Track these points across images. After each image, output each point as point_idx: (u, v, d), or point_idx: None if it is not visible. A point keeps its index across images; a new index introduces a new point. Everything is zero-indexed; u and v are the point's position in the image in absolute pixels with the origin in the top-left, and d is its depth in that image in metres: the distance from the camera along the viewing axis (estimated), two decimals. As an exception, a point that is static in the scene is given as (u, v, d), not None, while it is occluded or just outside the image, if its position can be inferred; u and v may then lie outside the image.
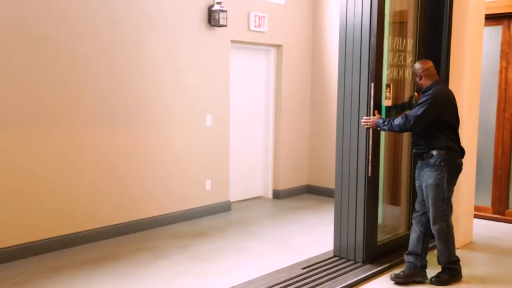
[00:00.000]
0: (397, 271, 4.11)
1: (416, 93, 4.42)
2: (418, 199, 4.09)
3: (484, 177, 5.85)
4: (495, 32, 5.75)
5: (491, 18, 5.65)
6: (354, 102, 4.21)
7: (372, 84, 4.10)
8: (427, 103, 3.78)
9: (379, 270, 4.16)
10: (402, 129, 3.87)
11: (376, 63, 4.09)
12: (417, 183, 4.08)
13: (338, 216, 4.40)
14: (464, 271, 4.08)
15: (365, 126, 4.09)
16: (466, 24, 4.68)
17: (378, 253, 4.35)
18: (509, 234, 5.32)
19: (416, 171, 4.08)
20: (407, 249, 4.10)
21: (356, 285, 3.92)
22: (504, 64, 5.71)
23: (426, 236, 4.02)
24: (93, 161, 4.85)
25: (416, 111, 3.81)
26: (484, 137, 5.79)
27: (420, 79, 3.97)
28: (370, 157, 4.14)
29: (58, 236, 4.65)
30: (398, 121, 3.85)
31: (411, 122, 3.79)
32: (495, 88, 5.79)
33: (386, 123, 3.92)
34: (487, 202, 5.90)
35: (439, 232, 3.89)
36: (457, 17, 4.72)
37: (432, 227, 3.92)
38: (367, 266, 4.21)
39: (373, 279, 4.06)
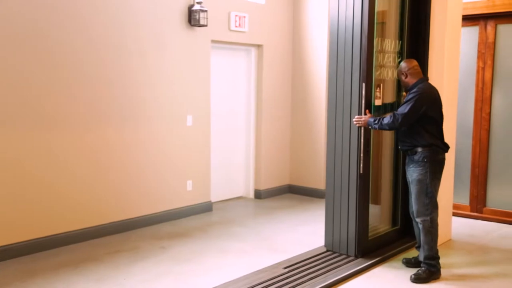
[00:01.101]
0: (390, 263, 4.34)
1: (404, 93, 4.50)
2: (409, 194, 4.24)
3: (462, 176, 5.94)
4: (472, 33, 5.83)
5: (468, 19, 5.74)
6: (346, 101, 4.35)
7: (364, 84, 4.23)
8: (413, 100, 3.95)
9: (371, 263, 4.28)
10: (391, 127, 4.04)
11: (367, 64, 4.23)
12: (407, 179, 4.26)
13: (330, 212, 4.52)
14: (443, 268, 4.14)
15: (357, 125, 4.24)
16: (444, 25, 4.74)
17: (370, 247, 4.47)
18: (487, 232, 5.40)
19: (405, 167, 4.24)
20: (416, 243, 4.32)
21: (348, 279, 4.01)
22: (481, 65, 5.80)
23: None
24: (69, 162, 4.78)
25: (403, 109, 3.97)
26: (462, 136, 5.88)
27: (406, 77, 4.12)
28: (361, 155, 4.27)
29: (36, 239, 4.58)
30: (387, 120, 4.02)
31: (399, 120, 3.96)
32: (472, 88, 5.88)
33: (376, 121, 4.08)
34: (465, 200, 5.98)
35: (422, 226, 4.04)
36: (435, 18, 4.77)
37: (416, 220, 4.10)
38: (359, 259, 4.33)
39: (365, 272, 4.17)
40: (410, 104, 3.93)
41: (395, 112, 4.02)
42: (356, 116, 4.23)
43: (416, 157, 4.02)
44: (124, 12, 5.11)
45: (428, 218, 4.01)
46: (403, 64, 4.17)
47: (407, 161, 4.17)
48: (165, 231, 5.33)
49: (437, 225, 4.07)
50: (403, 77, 4.14)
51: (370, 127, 4.15)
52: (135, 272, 4.15)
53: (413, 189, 4.07)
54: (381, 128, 4.06)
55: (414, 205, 4.07)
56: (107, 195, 5.10)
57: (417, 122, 3.98)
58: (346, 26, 4.30)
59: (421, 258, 4.08)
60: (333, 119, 4.45)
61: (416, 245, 4.31)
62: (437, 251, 4.07)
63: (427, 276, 3.98)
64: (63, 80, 4.68)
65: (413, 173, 4.05)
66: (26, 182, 4.49)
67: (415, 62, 4.16)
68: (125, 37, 5.13)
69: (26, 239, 4.51)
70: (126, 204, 5.27)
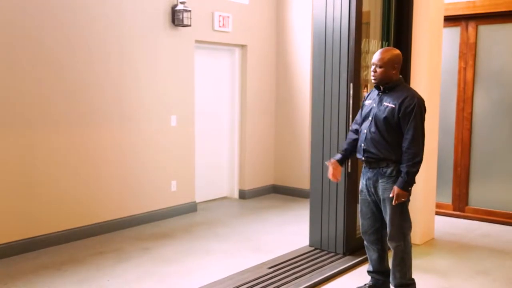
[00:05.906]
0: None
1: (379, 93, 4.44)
2: (365, 215, 3.57)
3: (445, 175, 6.00)
4: (453, 34, 5.90)
5: (449, 20, 5.79)
6: (334, 101, 4.39)
7: (351, 84, 4.27)
8: (419, 118, 3.26)
9: (359, 261, 4.33)
10: (418, 163, 3.26)
11: (354, 64, 4.26)
12: (364, 196, 3.55)
13: (316, 211, 4.57)
14: (427, 267, 4.17)
15: (398, 201, 3.29)
16: (426, 25, 4.79)
17: (357, 245, 4.50)
18: (469, 231, 5.46)
19: (366, 182, 3.49)
20: (370, 267, 3.68)
21: (334, 277, 4.04)
22: (462, 65, 5.87)
23: (386, 251, 3.63)
24: (52, 162, 4.73)
25: (410, 136, 3.23)
26: (444, 136, 5.93)
27: (394, 70, 3.33)
28: None
29: (16, 241, 4.50)
30: (409, 161, 3.23)
31: (418, 154, 3.25)
32: (454, 88, 5.94)
33: (407, 178, 3.23)
34: (447, 199, 6.04)
35: (395, 250, 3.42)
36: (417, 19, 4.81)
37: (388, 242, 3.47)
38: (347, 257, 4.38)
39: (351, 270, 4.20)
40: (415, 123, 3.22)
41: (408, 145, 3.23)
42: (395, 200, 3.28)
43: (388, 171, 3.33)
44: (107, 12, 5.06)
45: (402, 242, 3.37)
46: (394, 52, 3.36)
47: (371, 175, 3.43)
48: (149, 232, 5.29)
49: (410, 247, 3.44)
50: (391, 70, 3.32)
51: (410, 188, 3.27)
52: (118, 273, 4.11)
53: (388, 210, 3.37)
54: (416, 172, 3.26)
55: (388, 228, 3.40)
56: (90, 195, 5.04)
57: (400, 131, 3.30)
58: (334, 27, 4.32)
59: (392, 284, 3.49)
60: (320, 119, 4.47)
61: (371, 270, 3.67)
62: (411, 276, 3.46)
63: None
64: (45, 81, 4.62)
65: (386, 191, 3.35)
66: (4, 184, 4.42)
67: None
68: (108, 37, 5.08)
69: (5, 242, 4.44)
70: (110, 204, 5.22)
